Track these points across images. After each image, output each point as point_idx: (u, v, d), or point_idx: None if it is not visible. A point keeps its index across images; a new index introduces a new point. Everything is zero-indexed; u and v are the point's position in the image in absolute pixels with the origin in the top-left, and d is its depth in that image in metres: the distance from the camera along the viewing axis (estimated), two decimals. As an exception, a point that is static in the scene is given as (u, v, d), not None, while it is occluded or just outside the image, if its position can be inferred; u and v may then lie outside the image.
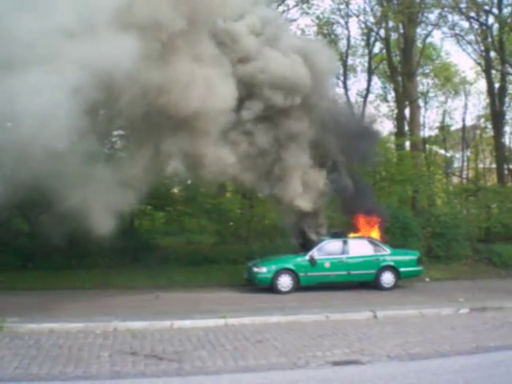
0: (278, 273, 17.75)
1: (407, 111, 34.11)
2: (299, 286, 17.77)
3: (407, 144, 33.73)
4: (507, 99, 37.45)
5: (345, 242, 18.76)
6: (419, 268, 19.24)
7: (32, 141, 11.29)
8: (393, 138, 37.26)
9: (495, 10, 30.87)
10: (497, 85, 35.65)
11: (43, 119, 11.22)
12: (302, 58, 17.49)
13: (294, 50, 17.71)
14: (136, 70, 12.79)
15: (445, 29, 33.89)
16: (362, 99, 37.67)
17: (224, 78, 15.71)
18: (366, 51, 36.37)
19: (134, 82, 13.38)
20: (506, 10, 30.80)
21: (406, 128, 34.58)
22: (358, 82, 76.72)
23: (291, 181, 18.43)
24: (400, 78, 33.96)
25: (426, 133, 42.69)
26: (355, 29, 37.48)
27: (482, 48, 33.82)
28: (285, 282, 17.73)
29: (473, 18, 31.23)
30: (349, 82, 35.15)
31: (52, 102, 11.24)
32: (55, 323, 11.87)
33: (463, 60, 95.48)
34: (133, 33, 12.65)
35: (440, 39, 62.38)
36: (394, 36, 34.40)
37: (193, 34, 15.08)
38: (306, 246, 19.06)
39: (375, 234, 20.15)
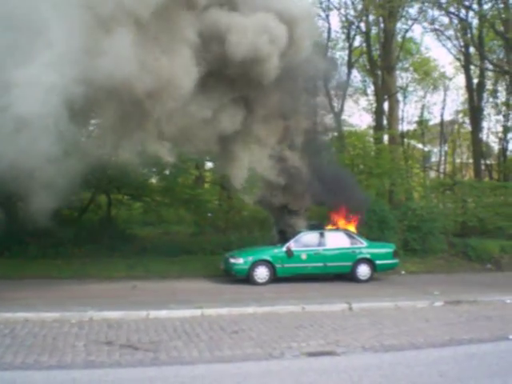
0: (254, 264, 17.76)
1: (386, 105, 34.32)
2: (276, 278, 17.81)
3: (385, 138, 33.89)
4: (485, 95, 37.82)
5: (321, 234, 18.82)
6: (395, 261, 19.38)
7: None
8: (371, 131, 37.39)
9: (475, 6, 31.13)
10: (475, 80, 35.96)
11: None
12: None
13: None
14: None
15: (425, 24, 34.07)
16: (341, 92, 37.70)
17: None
18: (347, 44, 36.44)
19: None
20: (486, 6, 31.05)
21: (385, 122, 34.75)
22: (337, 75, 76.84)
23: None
24: (379, 72, 34.11)
25: (404, 127, 43.02)
26: (336, 22, 37.61)
27: (462, 43, 34.05)
28: (261, 273, 17.76)
29: (453, 13, 31.44)
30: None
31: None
32: (30, 312, 11.79)
33: (442, 55, 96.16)
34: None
35: (420, 34, 62.91)
36: (374, 30, 34.54)
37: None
38: (285, 237, 19.10)
39: (352, 226, 20.26)
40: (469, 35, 32.01)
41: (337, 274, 18.64)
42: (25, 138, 12.50)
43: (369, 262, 18.67)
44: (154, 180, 28.90)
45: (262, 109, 18.48)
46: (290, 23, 17.14)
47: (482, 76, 35.69)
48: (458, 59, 37.67)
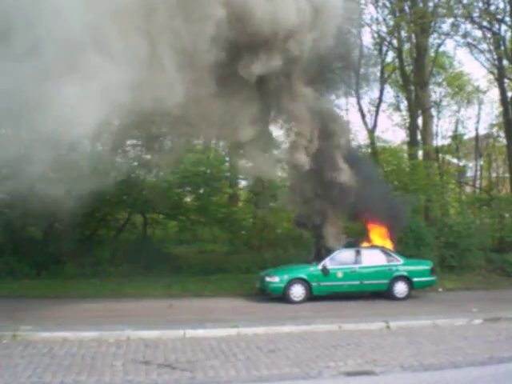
0: (290, 282, 17.71)
1: (420, 120, 34.07)
2: (312, 296, 17.72)
3: (420, 153, 33.64)
4: (520, 108, 37.33)
5: (357, 252, 18.70)
6: (432, 278, 19.14)
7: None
8: (405, 147, 37.16)
9: (508, 19, 30.85)
10: (510, 93, 35.55)
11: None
12: None
13: None
14: None
15: (457, 38, 33.84)
16: (374, 108, 37.63)
17: None
18: (379, 60, 36.36)
19: None
20: (518, 19, 30.77)
21: (419, 137, 34.49)
22: (370, 91, 76.65)
23: None
24: (412, 87, 33.93)
25: (438, 142, 42.58)
26: (368, 38, 37.54)
27: (495, 57, 33.74)
28: (297, 291, 17.70)
29: (485, 27, 31.19)
30: (361, 91, 35.05)
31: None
32: (68, 332, 11.92)
33: (476, 69, 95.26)
34: None
35: (453, 48, 62.47)
36: (406, 45, 34.42)
37: None
38: (321, 255, 19.03)
39: (388, 243, 20.11)
40: (502, 48, 31.72)
41: (373, 291, 18.49)
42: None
43: (406, 279, 18.47)
44: (188, 199, 29.11)
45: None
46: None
47: (516, 89, 35.32)
48: (492, 72, 37.29)
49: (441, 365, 9.55)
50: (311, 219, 19.55)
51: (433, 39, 33.73)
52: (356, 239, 19.77)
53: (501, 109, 37.58)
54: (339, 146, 19.57)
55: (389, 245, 20.04)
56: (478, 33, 32.89)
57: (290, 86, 18.37)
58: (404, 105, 40.14)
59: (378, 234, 20.27)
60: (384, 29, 34.30)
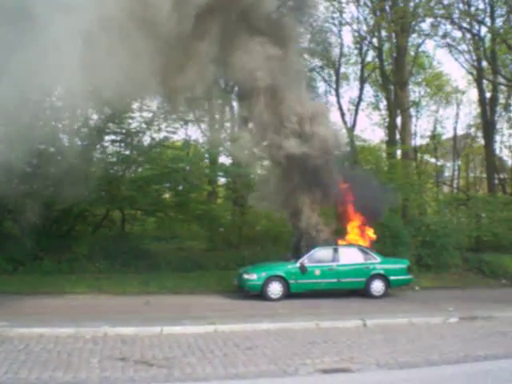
0: (268, 280, 17.74)
1: (399, 120, 34.26)
2: (289, 293, 17.78)
3: (398, 152, 33.84)
4: (498, 109, 37.69)
5: (335, 250, 18.79)
6: (409, 277, 19.29)
7: None
8: (384, 146, 37.37)
9: (488, 21, 31.15)
10: (488, 94, 35.87)
11: None
12: None
13: None
14: None
15: (437, 38, 34.07)
16: (354, 107, 37.79)
17: None
18: (359, 60, 36.52)
19: None
20: (498, 21, 31.09)
21: (398, 136, 34.69)
22: (350, 90, 76.96)
23: None
24: (392, 87, 34.11)
25: (417, 141, 42.85)
26: (348, 37, 37.73)
27: (474, 58, 34.01)
28: (275, 289, 17.74)
29: (465, 28, 31.45)
30: (341, 90, 35.22)
31: None
32: (45, 328, 11.82)
33: (455, 69, 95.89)
34: None
35: (432, 48, 62.94)
36: (386, 45, 34.58)
37: None
38: (299, 253, 19.08)
39: (365, 242, 20.24)
40: (481, 49, 32.00)
41: (350, 289, 18.60)
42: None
43: (383, 277, 18.60)
44: (167, 195, 29.04)
45: None
46: None
47: (494, 90, 35.59)
48: (471, 73, 37.60)
49: (416, 363, 9.61)
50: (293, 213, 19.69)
51: (413, 39, 33.99)
52: (334, 238, 19.83)
53: (479, 109, 37.94)
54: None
55: (366, 243, 20.17)
56: (458, 33, 33.41)
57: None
58: (383, 104, 40.37)
59: (356, 232, 20.40)
60: (364, 28, 34.48)
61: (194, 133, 72.87)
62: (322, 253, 18.72)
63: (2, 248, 21.39)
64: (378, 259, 18.94)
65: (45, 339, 11.12)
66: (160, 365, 9.24)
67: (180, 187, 27.93)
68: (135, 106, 26.09)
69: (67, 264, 21.69)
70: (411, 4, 30.05)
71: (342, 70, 37.57)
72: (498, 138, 40.76)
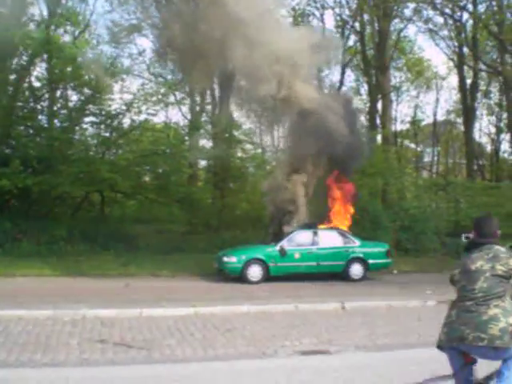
0: (247, 263, 17.76)
1: (379, 105, 34.37)
2: (269, 276, 17.82)
3: (379, 137, 33.98)
4: (478, 95, 37.95)
5: (315, 233, 18.83)
6: (388, 260, 19.43)
7: None
8: (365, 131, 37.44)
9: (470, 7, 31.24)
10: (469, 80, 36.08)
11: None
12: None
13: None
14: None
15: (419, 23, 34.17)
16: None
17: None
18: (341, 44, 36.47)
19: None
20: (480, 7, 31.20)
21: (378, 121, 34.82)
22: (331, 75, 76.85)
23: None
24: (373, 72, 34.17)
25: (397, 127, 43.09)
26: (330, 21, 37.68)
27: (456, 44, 34.16)
28: (254, 272, 17.77)
29: (447, 13, 31.55)
30: (322, 75, 35.17)
31: None
32: (23, 310, 11.74)
33: (436, 55, 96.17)
34: None
35: (414, 33, 63.04)
36: (368, 29, 34.59)
37: None
38: (278, 236, 19.13)
39: (344, 225, 20.33)
40: (463, 35, 32.13)
41: (330, 273, 18.66)
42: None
43: (362, 261, 18.71)
44: (147, 178, 28.96)
45: None
46: None
47: (475, 76, 35.83)
48: (452, 59, 37.79)
49: (394, 345, 9.68)
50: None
51: (395, 24, 34.03)
52: (313, 221, 19.87)
53: (459, 95, 38.16)
54: None
55: (345, 225, 20.27)
56: (440, 19, 33.31)
57: None
58: (364, 89, 40.46)
59: (337, 214, 20.48)
60: (347, 12, 34.44)
61: (175, 115, 72.68)
62: (302, 236, 18.77)
63: (-21, 230, 21.24)
64: (358, 243, 19.04)
65: (23, 321, 11.04)
66: (139, 347, 9.23)
67: (160, 170, 27.86)
68: (115, 87, 25.99)
69: (46, 246, 21.54)
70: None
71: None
72: (477, 124, 41.13)
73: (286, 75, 19.19)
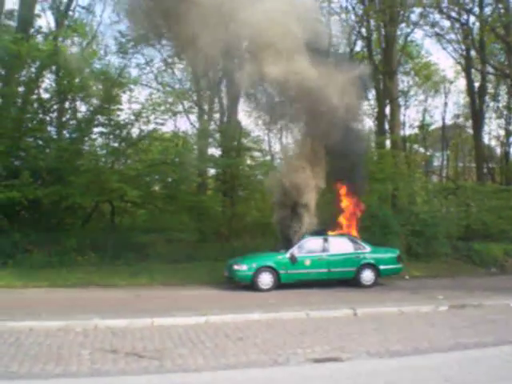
0: (258, 270, 17.73)
1: (388, 110, 34.30)
2: (280, 284, 17.78)
3: (387, 142, 33.90)
4: (486, 98, 37.83)
5: (325, 240, 18.78)
6: (399, 266, 19.35)
7: None
8: (373, 136, 37.41)
9: (476, 10, 31.19)
10: (477, 84, 35.99)
11: None
12: None
13: None
14: None
15: (426, 28, 34.11)
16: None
17: None
18: (348, 50, 36.47)
19: None
20: (486, 9, 31.15)
21: (387, 126, 34.75)
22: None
23: None
24: (381, 77, 34.13)
25: (406, 131, 42.98)
26: (337, 27, 37.56)
27: (463, 47, 34.10)
28: (265, 279, 17.73)
29: (454, 17, 31.49)
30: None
31: None
32: (35, 321, 11.80)
33: (443, 59, 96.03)
34: None
35: (421, 38, 63.03)
36: (375, 35, 34.58)
37: None
38: (289, 243, 19.07)
39: (354, 231, 20.29)
40: (470, 39, 32.05)
41: (341, 279, 18.60)
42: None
43: (373, 267, 18.65)
44: (156, 187, 29.00)
45: None
46: None
47: (483, 79, 35.74)
48: (459, 63, 37.72)
49: (407, 351, 9.65)
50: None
51: (401, 28, 33.98)
52: (323, 228, 19.81)
53: (467, 99, 38.06)
54: None
55: (355, 232, 20.23)
56: (447, 23, 33.29)
57: None
58: (372, 94, 40.39)
59: (346, 220, 20.44)
60: (353, 17, 34.45)
61: (183, 124, 72.80)
62: (312, 243, 18.72)
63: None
64: (368, 248, 18.98)
65: (35, 333, 11.09)
66: (151, 356, 9.23)
67: (169, 179, 27.88)
68: (124, 97, 26.08)
69: (57, 257, 21.58)
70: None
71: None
72: (486, 127, 41.00)
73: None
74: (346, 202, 20.64)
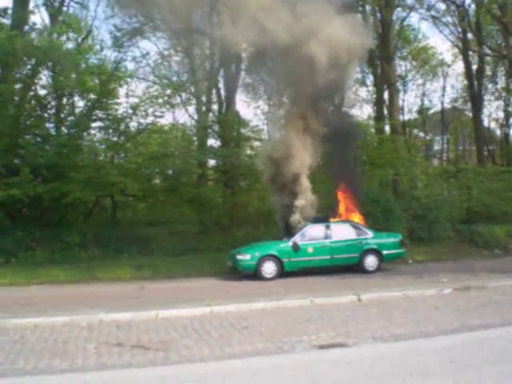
0: (261, 259, 17.74)
1: (386, 95, 34.22)
2: (283, 272, 17.81)
3: (387, 128, 33.85)
4: (485, 80, 37.73)
5: (327, 227, 18.78)
6: (402, 250, 19.36)
7: None
8: (372, 122, 37.34)
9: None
10: (474, 66, 35.86)
11: None
12: None
13: None
14: None
15: (422, 11, 34.00)
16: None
17: None
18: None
19: None
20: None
21: (386, 112, 34.68)
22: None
23: None
24: (378, 62, 34.03)
25: (405, 116, 42.89)
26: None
27: (459, 30, 33.96)
28: (269, 268, 17.75)
29: (449, -1, 31.38)
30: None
31: None
32: (40, 317, 11.78)
33: (440, 42, 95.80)
34: None
35: (417, 21, 62.81)
36: (371, 20, 34.44)
37: None
38: (291, 231, 19.07)
39: (356, 217, 20.28)
40: (466, 21, 31.92)
41: (344, 265, 18.60)
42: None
43: (376, 252, 18.65)
44: (157, 180, 29.00)
45: None
46: None
47: (481, 62, 35.64)
48: (456, 46, 37.58)
49: (412, 335, 9.63)
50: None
51: (397, 12, 33.87)
52: (325, 214, 19.80)
53: (466, 82, 37.95)
54: None
55: (357, 218, 20.22)
56: (442, 6, 33.11)
57: None
58: (370, 80, 40.30)
59: (347, 207, 20.44)
60: (348, 2, 34.24)
61: (182, 116, 72.70)
62: (314, 230, 18.72)
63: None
64: (371, 234, 18.97)
65: (40, 329, 11.08)
66: (156, 348, 9.23)
67: (169, 171, 27.88)
68: (121, 91, 26.04)
69: (60, 254, 21.62)
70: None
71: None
72: (485, 110, 40.89)
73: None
74: (343, 189, 20.67)
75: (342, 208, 20.64)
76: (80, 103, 27.32)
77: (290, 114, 20.64)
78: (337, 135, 19.87)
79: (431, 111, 46.08)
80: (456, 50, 39.21)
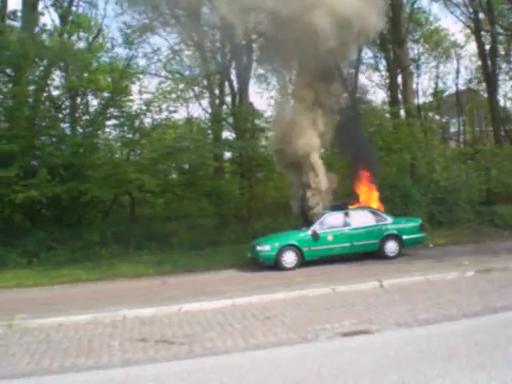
0: (281, 249, 17.72)
1: (400, 79, 33.98)
2: (304, 261, 17.77)
3: (402, 112, 33.62)
4: (498, 60, 37.33)
5: (346, 214, 18.70)
6: (422, 235, 19.23)
7: None
8: (387, 107, 37.09)
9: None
10: (487, 46, 35.50)
11: None
12: None
13: None
14: None
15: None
16: (353, 71, 37.41)
17: None
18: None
19: None
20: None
21: (400, 96, 34.43)
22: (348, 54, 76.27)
23: None
24: (390, 46, 33.79)
25: (420, 100, 42.59)
26: None
27: (471, 10, 33.61)
28: (289, 258, 17.72)
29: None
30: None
31: None
32: (64, 317, 11.87)
33: (452, 23, 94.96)
34: None
35: (427, 4, 62.24)
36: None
37: None
38: (309, 220, 19.01)
39: (375, 203, 20.20)
40: (477, 1, 31.59)
41: (364, 252, 18.53)
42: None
43: (396, 237, 18.53)
44: (174, 175, 29.07)
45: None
46: None
47: (493, 41, 35.22)
48: (468, 26, 37.21)
49: (436, 319, 9.59)
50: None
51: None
52: (343, 202, 19.71)
53: (479, 62, 37.59)
54: None
55: (376, 204, 20.13)
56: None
57: None
58: (383, 64, 40.04)
59: (366, 193, 20.37)
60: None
61: (196, 110, 72.74)
62: (333, 218, 18.64)
63: (15, 242, 21.48)
64: (390, 220, 18.87)
65: (64, 328, 11.17)
66: (180, 342, 9.27)
67: (186, 166, 27.93)
68: (134, 88, 26.11)
69: (81, 252, 21.77)
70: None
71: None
72: (500, 90, 40.47)
73: None
74: (361, 175, 20.60)
75: (360, 194, 20.53)
76: (94, 102, 27.49)
77: (297, 85, 20.42)
78: (349, 120, 19.75)
79: (446, 93, 45.71)
80: (468, 31, 38.84)
